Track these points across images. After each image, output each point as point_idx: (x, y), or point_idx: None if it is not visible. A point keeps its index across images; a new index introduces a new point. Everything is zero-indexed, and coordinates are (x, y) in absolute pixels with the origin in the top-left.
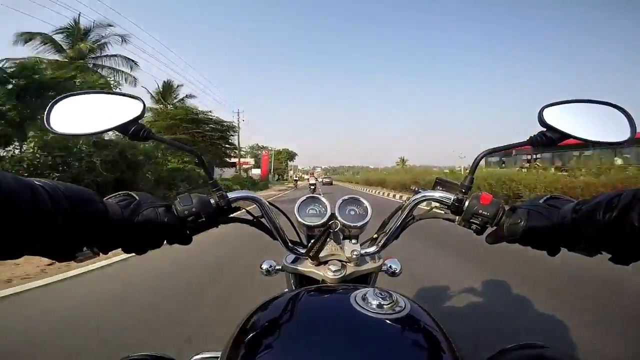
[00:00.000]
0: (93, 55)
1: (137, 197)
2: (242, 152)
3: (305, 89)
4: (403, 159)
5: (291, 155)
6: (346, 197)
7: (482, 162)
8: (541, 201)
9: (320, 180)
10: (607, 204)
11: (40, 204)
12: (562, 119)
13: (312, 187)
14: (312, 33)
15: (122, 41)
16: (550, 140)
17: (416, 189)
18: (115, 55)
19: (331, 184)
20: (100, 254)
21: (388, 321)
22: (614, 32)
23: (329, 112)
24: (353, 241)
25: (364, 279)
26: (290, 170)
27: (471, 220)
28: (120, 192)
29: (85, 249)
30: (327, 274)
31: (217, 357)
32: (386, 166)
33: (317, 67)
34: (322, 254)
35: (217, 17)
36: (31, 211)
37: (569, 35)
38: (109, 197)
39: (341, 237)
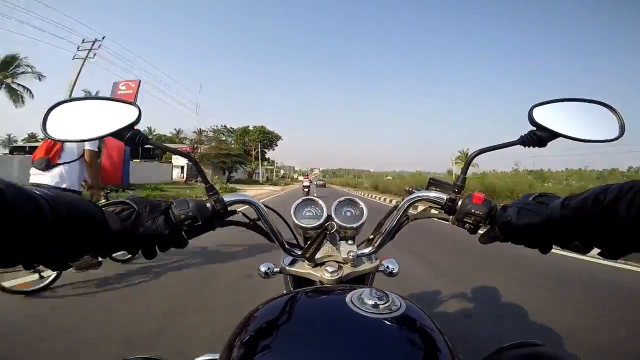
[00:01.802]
0: None
1: (135, 206)
2: (202, 137)
3: (302, 89)
4: (466, 153)
5: (270, 139)
6: (342, 199)
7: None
8: (530, 199)
9: (314, 183)
10: (594, 198)
11: (41, 214)
12: (552, 118)
13: (306, 189)
14: (318, 35)
15: None
16: (540, 139)
17: (410, 189)
18: None
19: (324, 186)
20: (99, 258)
21: (384, 321)
22: (609, 31)
23: (330, 115)
24: (349, 242)
25: (361, 280)
26: (281, 171)
27: (464, 219)
28: (116, 200)
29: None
30: (324, 275)
31: None
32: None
33: (314, 67)
34: (318, 255)
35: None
36: (32, 221)
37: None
38: (104, 204)
39: (337, 239)
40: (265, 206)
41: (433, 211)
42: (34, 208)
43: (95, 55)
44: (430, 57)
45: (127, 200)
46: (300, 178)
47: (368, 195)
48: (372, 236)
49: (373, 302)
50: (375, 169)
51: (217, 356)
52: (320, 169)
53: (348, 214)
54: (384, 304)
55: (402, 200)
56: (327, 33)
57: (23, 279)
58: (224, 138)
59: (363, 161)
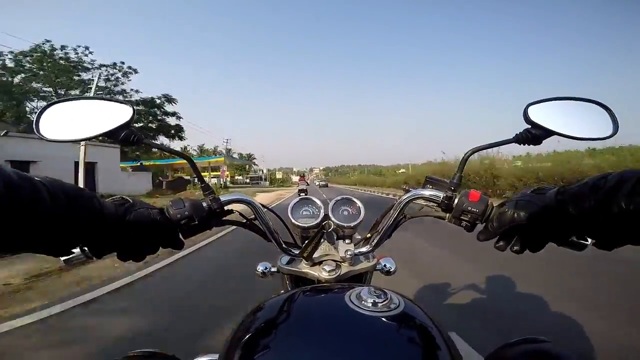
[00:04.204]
0: None
1: (131, 200)
2: None
3: (296, 86)
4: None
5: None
6: (339, 198)
7: None
8: (528, 192)
9: (317, 183)
10: (592, 186)
11: (40, 198)
12: (547, 116)
13: (303, 193)
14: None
15: None
16: (535, 137)
17: (407, 187)
18: None
19: (327, 186)
20: (94, 258)
21: (383, 319)
22: (607, 29)
23: (327, 112)
24: (347, 241)
25: (359, 279)
26: (261, 171)
27: (461, 217)
28: (115, 196)
29: (78, 250)
30: (322, 274)
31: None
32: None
33: (307, 63)
34: (316, 255)
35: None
36: (31, 204)
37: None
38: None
39: (335, 238)
40: (263, 206)
41: (430, 209)
42: (34, 193)
43: None
44: (437, 44)
45: (125, 197)
46: (295, 179)
47: None
48: (369, 235)
49: (372, 301)
50: (380, 164)
51: (216, 356)
52: (321, 168)
53: (345, 213)
54: (382, 302)
55: (399, 199)
56: (325, 15)
57: None
58: None
59: (367, 156)
